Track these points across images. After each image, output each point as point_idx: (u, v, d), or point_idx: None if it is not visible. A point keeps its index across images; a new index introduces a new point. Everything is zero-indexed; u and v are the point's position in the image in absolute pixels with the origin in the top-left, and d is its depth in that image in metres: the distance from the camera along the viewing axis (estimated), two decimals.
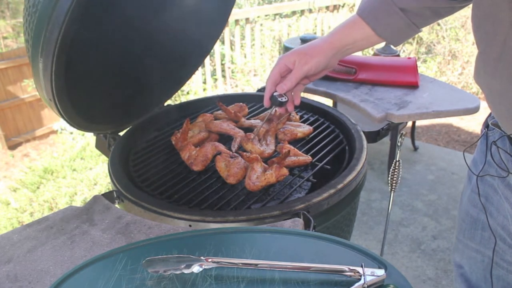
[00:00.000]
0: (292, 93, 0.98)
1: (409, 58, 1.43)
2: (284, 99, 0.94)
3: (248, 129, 1.12)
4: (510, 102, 0.64)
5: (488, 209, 0.86)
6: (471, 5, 0.68)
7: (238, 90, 4.33)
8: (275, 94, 0.93)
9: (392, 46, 2.37)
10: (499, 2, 0.57)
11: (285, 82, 0.91)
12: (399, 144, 0.95)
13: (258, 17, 4.27)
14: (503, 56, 0.60)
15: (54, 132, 4.22)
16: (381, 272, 0.52)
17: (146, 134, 1.22)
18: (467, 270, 0.99)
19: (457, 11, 0.83)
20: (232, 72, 4.40)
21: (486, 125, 0.85)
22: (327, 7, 4.74)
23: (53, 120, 4.29)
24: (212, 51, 1.95)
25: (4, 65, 3.92)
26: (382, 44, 2.35)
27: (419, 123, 3.56)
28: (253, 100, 1.36)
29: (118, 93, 1.16)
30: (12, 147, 4.05)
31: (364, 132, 1.09)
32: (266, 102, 0.96)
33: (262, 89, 1.44)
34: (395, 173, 0.99)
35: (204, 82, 4.22)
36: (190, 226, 0.78)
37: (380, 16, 0.84)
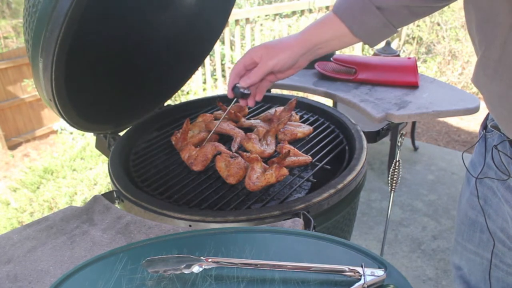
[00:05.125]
0: (256, 88, 0.95)
1: (409, 58, 1.43)
2: (246, 91, 0.91)
3: (248, 129, 1.12)
4: (511, 105, 0.63)
5: (486, 211, 0.85)
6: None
7: None
8: (237, 85, 0.91)
9: (392, 46, 2.37)
10: (498, 5, 0.57)
11: (249, 76, 0.88)
12: (399, 144, 0.95)
13: (258, 17, 4.27)
14: (503, 59, 0.60)
15: (54, 132, 4.23)
16: (381, 272, 0.52)
17: (146, 134, 1.22)
18: (466, 271, 0.98)
19: (436, 11, 0.81)
20: None
21: (484, 127, 0.84)
22: (327, 7, 4.73)
23: (53, 120, 4.29)
24: (212, 51, 1.95)
25: (4, 65, 3.92)
26: (382, 44, 2.35)
27: (419, 123, 3.56)
28: None
29: (118, 93, 1.16)
30: (12, 147, 4.05)
31: (364, 132, 1.09)
32: (229, 94, 0.93)
33: None
34: (395, 173, 0.99)
35: (204, 82, 4.22)
36: (190, 226, 0.78)
37: (356, 14, 0.80)
